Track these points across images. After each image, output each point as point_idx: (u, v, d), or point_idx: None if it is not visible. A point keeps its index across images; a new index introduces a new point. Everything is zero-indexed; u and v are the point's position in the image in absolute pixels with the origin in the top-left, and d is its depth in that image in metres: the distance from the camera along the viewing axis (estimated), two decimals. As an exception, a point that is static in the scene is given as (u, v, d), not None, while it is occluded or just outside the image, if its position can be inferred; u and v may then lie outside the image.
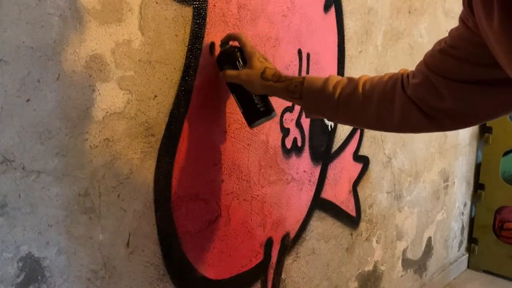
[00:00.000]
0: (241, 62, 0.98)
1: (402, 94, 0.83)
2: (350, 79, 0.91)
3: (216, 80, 1.05)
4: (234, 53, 0.99)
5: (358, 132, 1.56)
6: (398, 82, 0.84)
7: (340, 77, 0.92)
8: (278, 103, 1.22)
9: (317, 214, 1.44)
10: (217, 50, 1.03)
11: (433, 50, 0.79)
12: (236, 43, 1.01)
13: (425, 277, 2.18)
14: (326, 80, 0.92)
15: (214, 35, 1.03)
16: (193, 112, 1.01)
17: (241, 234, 1.19)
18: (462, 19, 0.71)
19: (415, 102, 0.81)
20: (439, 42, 0.78)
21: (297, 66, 1.26)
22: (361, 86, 0.88)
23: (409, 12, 1.70)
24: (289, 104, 1.26)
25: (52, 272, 0.82)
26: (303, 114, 1.30)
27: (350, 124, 0.99)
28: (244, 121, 1.13)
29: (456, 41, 0.73)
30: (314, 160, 1.39)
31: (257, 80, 0.96)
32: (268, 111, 1.01)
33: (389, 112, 0.85)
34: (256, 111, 1.00)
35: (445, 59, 0.75)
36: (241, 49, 0.99)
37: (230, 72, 0.98)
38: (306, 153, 1.36)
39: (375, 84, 0.87)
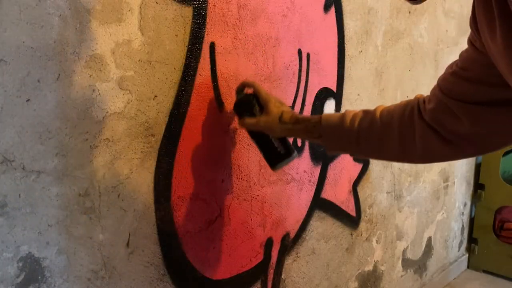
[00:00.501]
0: (258, 109, 1.01)
1: (420, 121, 0.82)
2: (366, 111, 0.91)
3: (216, 80, 1.05)
4: (250, 100, 1.02)
5: (358, 132, 1.56)
6: (415, 108, 0.84)
7: (355, 111, 0.93)
8: (278, 103, 1.22)
9: (317, 214, 1.44)
10: (233, 97, 1.06)
11: (445, 73, 0.79)
12: (251, 90, 1.03)
13: (425, 277, 2.18)
14: (343, 116, 0.93)
15: (214, 35, 1.03)
16: (193, 112, 1.01)
17: (241, 234, 1.19)
18: (470, 41, 0.72)
19: (434, 127, 0.80)
20: (451, 66, 0.78)
21: (297, 66, 1.26)
22: (379, 116, 0.88)
23: (409, 12, 1.70)
24: (289, 104, 1.26)
25: (52, 272, 0.82)
26: (303, 113, 1.31)
27: (373, 157, 0.99)
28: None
29: (466, 63, 0.74)
30: (314, 160, 1.39)
31: (276, 125, 0.99)
32: (288, 153, 1.04)
33: (411, 141, 0.84)
34: (277, 154, 1.04)
35: (458, 81, 0.75)
36: (257, 96, 1.02)
37: (249, 121, 1.01)
38: (306, 153, 1.36)
39: (392, 112, 0.87)
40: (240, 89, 1.05)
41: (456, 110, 0.76)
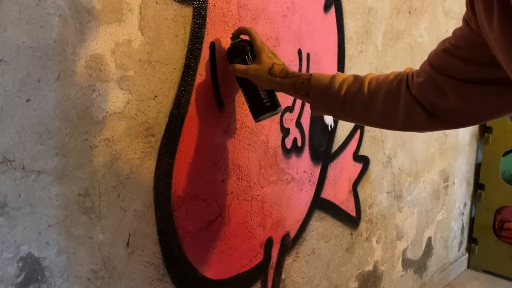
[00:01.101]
0: (250, 57, 1.00)
1: (407, 93, 0.83)
2: (356, 77, 0.91)
3: (216, 80, 1.05)
4: (244, 47, 1.00)
5: (358, 132, 1.56)
6: (403, 81, 0.85)
7: (346, 75, 0.93)
8: (278, 103, 1.22)
9: (317, 214, 1.44)
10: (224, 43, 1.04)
11: (437, 49, 0.80)
12: (247, 37, 1.02)
13: (425, 277, 2.18)
14: (333, 78, 0.93)
15: (214, 35, 1.03)
16: (193, 112, 1.01)
17: (241, 234, 1.19)
18: (465, 20, 0.72)
19: (420, 101, 0.81)
20: (443, 42, 0.79)
21: (297, 66, 1.26)
22: (367, 85, 0.89)
23: (409, 12, 1.70)
24: (290, 104, 1.26)
25: (52, 272, 0.82)
26: (303, 113, 1.31)
27: (355, 122, 1.00)
28: (243, 121, 1.13)
29: (459, 41, 0.74)
30: (314, 160, 1.39)
31: (265, 75, 0.97)
32: (274, 106, 1.02)
33: (394, 111, 0.85)
34: (262, 106, 1.02)
35: (449, 58, 0.76)
36: (251, 44, 1.00)
37: (239, 67, 1.00)
38: (306, 153, 1.36)
39: (381, 82, 0.88)
40: (236, 35, 1.03)
41: (444, 86, 0.77)
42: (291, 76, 0.96)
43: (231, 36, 1.03)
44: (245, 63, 1.00)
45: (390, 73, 0.90)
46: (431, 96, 0.80)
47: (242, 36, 1.02)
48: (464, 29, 0.73)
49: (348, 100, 0.90)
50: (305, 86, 0.95)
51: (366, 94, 0.88)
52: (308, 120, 1.34)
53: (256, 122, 1.07)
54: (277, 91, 1.03)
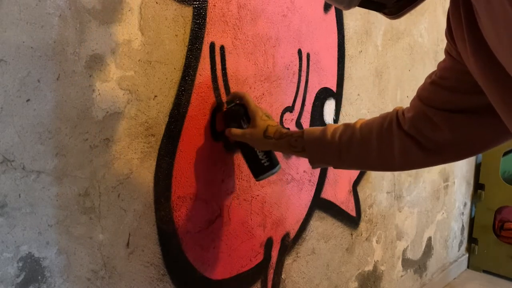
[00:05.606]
0: (245, 120, 1.03)
1: (399, 131, 0.84)
2: (347, 125, 0.93)
3: (216, 80, 1.05)
4: (238, 112, 1.04)
5: (358, 132, 1.56)
6: (393, 120, 0.86)
7: (337, 125, 0.95)
8: (278, 103, 1.22)
9: (317, 214, 1.44)
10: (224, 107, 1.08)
11: (425, 83, 0.81)
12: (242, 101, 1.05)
13: (425, 277, 2.18)
14: (324, 129, 0.95)
15: (214, 35, 1.03)
16: (193, 112, 1.01)
17: (241, 234, 1.19)
18: (446, 51, 0.75)
19: (413, 135, 0.82)
20: (430, 76, 0.80)
21: (297, 66, 1.26)
22: (359, 130, 0.90)
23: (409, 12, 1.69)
24: (289, 104, 1.26)
25: (52, 272, 0.82)
26: (303, 114, 1.31)
27: (355, 168, 1.03)
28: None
29: (444, 72, 0.76)
30: (314, 160, 1.39)
31: (260, 138, 1.01)
32: (272, 166, 1.06)
33: (390, 153, 0.86)
34: (260, 166, 1.06)
35: (437, 90, 0.78)
36: (245, 107, 1.03)
37: (235, 131, 1.03)
38: (306, 153, 1.36)
39: (371, 125, 0.89)
40: (230, 100, 1.06)
41: (434, 118, 0.78)
42: (285, 136, 0.99)
43: (225, 101, 1.06)
44: (240, 126, 1.03)
45: (379, 115, 0.91)
46: (423, 129, 0.80)
47: (236, 101, 1.06)
48: (447, 60, 0.75)
49: (343, 148, 0.92)
50: (300, 143, 0.97)
51: (359, 138, 0.90)
52: (308, 120, 1.34)
53: (257, 181, 1.11)
54: (274, 151, 1.06)
